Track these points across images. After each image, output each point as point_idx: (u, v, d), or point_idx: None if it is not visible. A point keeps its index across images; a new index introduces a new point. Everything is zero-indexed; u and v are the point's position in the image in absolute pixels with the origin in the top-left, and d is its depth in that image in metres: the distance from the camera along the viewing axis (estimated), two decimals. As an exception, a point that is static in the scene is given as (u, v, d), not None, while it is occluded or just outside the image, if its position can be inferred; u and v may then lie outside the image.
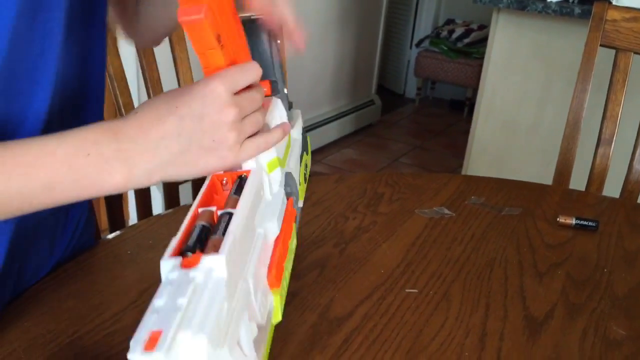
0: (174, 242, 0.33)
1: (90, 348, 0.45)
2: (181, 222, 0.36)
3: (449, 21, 3.56)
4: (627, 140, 0.99)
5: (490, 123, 2.04)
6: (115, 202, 0.86)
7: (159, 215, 0.69)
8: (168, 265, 0.31)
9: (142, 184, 0.39)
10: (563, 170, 0.98)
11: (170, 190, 0.95)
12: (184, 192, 0.95)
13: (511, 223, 0.71)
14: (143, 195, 0.92)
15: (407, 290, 0.56)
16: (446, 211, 0.73)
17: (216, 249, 0.32)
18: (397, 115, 3.44)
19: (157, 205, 1.08)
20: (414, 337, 0.49)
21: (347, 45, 2.82)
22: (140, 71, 0.95)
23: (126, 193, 1.02)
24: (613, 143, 0.95)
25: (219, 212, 0.37)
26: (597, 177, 0.96)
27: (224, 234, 0.34)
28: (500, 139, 2.03)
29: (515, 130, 1.99)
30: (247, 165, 0.42)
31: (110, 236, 0.63)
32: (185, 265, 0.31)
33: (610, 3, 1.19)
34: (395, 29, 3.70)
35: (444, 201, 0.76)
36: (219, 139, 0.39)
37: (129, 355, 0.26)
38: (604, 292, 0.58)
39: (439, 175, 0.84)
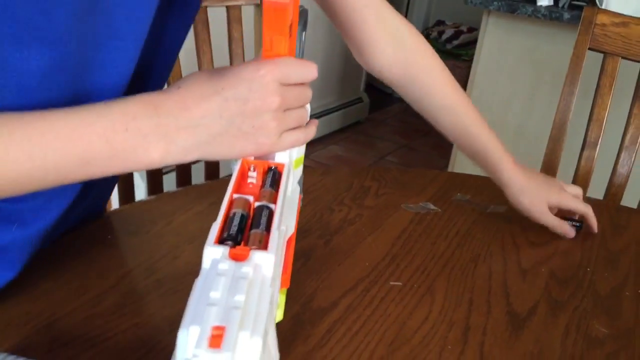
0: (216, 228, 0.32)
1: (69, 331, 0.43)
2: (163, 209, 0.35)
3: (439, 22, 3.58)
4: (612, 144, 1.00)
5: (476, 124, 2.04)
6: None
7: (141, 202, 0.68)
8: (215, 253, 0.31)
9: (177, 160, 0.39)
10: (548, 171, 0.99)
11: (154, 177, 0.93)
12: (168, 181, 0.94)
13: (496, 221, 0.71)
14: (126, 182, 0.90)
15: (391, 283, 0.56)
16: (432, 207, 0.73)
17: (261, 244, 0.32)
18: (385, 114, 3.45)
19: (141, 192, 1.07)
20: (397, 329, 0.49)
21: (336, 42, 2.82)
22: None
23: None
24: (598, 146, 0.96)
25: (256, 204, 0.36)
26: (581, 179, 0.97)
27: (265, 229, 0.33)
28: (486, 140, 2.04)
29: (502, 132, 2.01)
30: (281, 159, 0.41)
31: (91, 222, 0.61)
32: (234, 257, 0.30)
33: (600, 8, 1.20)
34: (386, 28, 3.70)
35: (429, 197, 0.76)
36: (259, 125, 0.39)
37: (195, 351, 0.25)
38: (587, 290, 0.58)
39: (425, 171, 0.84)
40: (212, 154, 0.40)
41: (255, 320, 0.27)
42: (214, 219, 0.58)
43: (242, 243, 0.32)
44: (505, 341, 0.49)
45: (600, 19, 0.96)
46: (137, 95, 0.39)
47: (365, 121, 3.23)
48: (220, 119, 0.38)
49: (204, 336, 0.25)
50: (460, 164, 2.10)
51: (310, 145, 2.74)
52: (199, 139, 0.39)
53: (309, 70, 0.41)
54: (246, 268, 0.30)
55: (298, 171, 0.45)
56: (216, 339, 0.25)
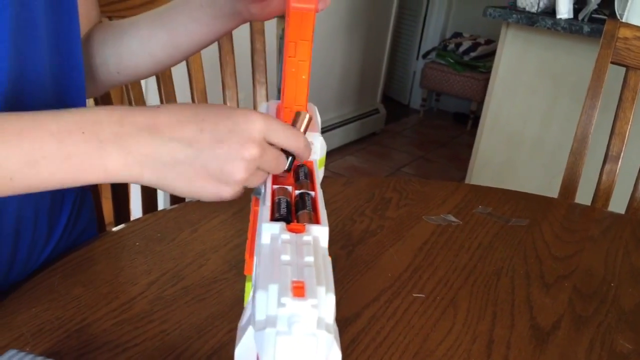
0: (266, 211, 0.34)
1: (99, 336, 0.44)
2: (188, 217, 0.36)
3: (457, 34, 3.58)
4: (634, 158, 1.00)
5: (494, 136, 2.04)
6: (121, 196, 0.86)
7: (166, 210, 0.69)
8: (273, 228, 0.32)
9: (133, 177, 0.36)
10: (569, 184, 0.98)
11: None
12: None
13: (518, 233, 0.71)
14: (149, 190, 0.92)
15: (414, 295, 0.56)
16: (453, 219, 0.73)
17: (312, 221, 0.34)
18: (401, 125, 3.45)
19: (161, 202, 1.09)
20: (421, 341, 0.49)
21: (354, 54, 2.84)
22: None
23: (131, 188, 1.02)
24: (620, 160, 0.96)
25: (297, 192, 0.38)
26: (603, 193, 0.96)
27: (312, 209, 0.35)
28: (504, 152, 2.03)
29: (520, 145, 2.00)
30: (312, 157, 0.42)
31: (118, 227, 0.63)
32: (292, 231, 0.32)
33: (621, 21, 1.20)
34: (403, 39, 3.72)
35: (451, 209, 0.76)
36: (228, 171, 0.36)
37: (282, 300, 0.26)
38: (611, 305, 0.58)
39: (447, 183, 0.84)
40: (167, 183, 0.37)
41: (326, 278, 0.28)
42: (239, 228, 0.59)
43: (294, 220, 0.34)
44: (530, 355, 0.49)
45: (623, 32, 0.96)
46: (107, 105, 0.38)
47: (382, 132, 3.24)
48: (188, 148, 0.36)
49: (285, 290, 0.26)
50: (477, 176, 2.09)
51: (327, 156, 2.74)
52: (160, 159, 0.36)
53: (298, 141, 0.38)
54: (307, 237, 0.31)
55: (321, 171, 0.46)
56: (299, 290, 0.26)
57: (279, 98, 0.46)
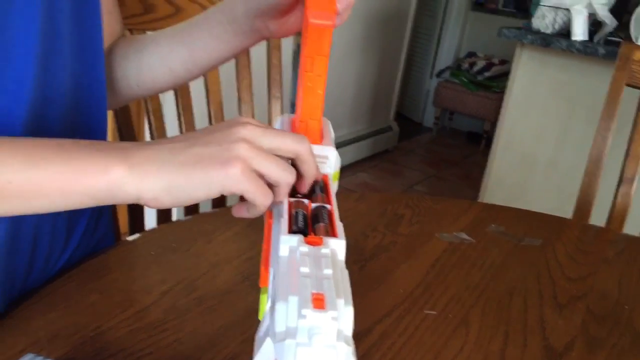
0: (284, 223, 0.34)
1: (114, 343, 0.45)
2: (202, 227, 0.36)
3: (471, 54, 3.59)
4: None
5: (508, 156, 2.04)
6: (136, 206, 0.88)
7: (179, 220, 0.69)
8: (291, 241, 0.32)
9: (138, 183, 0.35)
10: (583, 206, 0.98)
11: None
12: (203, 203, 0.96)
13: (531, 253, 0.71)
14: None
15: (426, 312, 0.56)
16: (466, 237, 0.73)
17: (329, 233, 0.34)
18: (414, 143, 3.45)
19: (174, 211, 1.10)
20: (432, 359, 0.49)
21: (369, 71, 2.86)
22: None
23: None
24: (635, 182, 0.95)
25: (313, 205, 0.38)
26: (618, 215, 0.96)
27: (328, 222, 0.35)
28: (517, 172, 2.03)
29: (533, 165, 1.99)
30: (323, 171, 0.43)
31: (133, 237, 0.63)
32: (310, 243, 0.32)
33: (637, 44, 1.19)
34: (417, 58, 3.74)
35: (463, 227, 0.76)
36: (226, 147, 0.36)
37: (303, 311, 0.26)
38: (625, 328, 0.57)
39: (460, 201, 0.85)
40: (169, 181, 0.35)
41: (345, 291, 0.29)
42: (252, 240, 0.60)
43: (311, 234, 0.34)
44: (542, 376, 0.49)
45: (638, 55, 0.96)
46: None
47: (394, 150, 3.24)
48: (185, 141, 0.37)
49: (305, 302, 0.27)
50: (490, 195, 2.08)
51: (339, 172, 2.75)
52: (160, 157, 0.36)
53: (290, 143, 0.37)
54: (324, 250, 0.32)
55: (335, 185, 0.46)
56: (319, 302, 0.27)
57: (293, 112, 0.47)
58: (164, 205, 0.36)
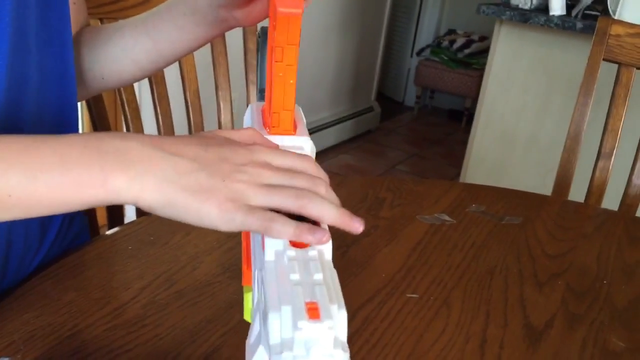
0: None
1: (91, 342, 0.44)
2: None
3: (450, 31, 3.58)
4: (627, 154, 1.00)
5: (489, 133, 2.05)
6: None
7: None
8: (277, 244, 0.32)
9: (135, 194, 0.34)
10: (563, 181, 0.99)
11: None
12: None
13: (511, 232, 0.71)
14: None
15: (408, 295, 0.56)
16: (447, 218, 0.73)
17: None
18: (396, 123, 3.45)
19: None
20: (414, 342, 0.49)
21: (348, 51, 2.83)
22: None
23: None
24: (613, 157, 0.96)
25: None
26: (596, 190, 0.97)
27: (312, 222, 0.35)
28: (498, 149, 2.04)
29: (514, 142, 2.00)
30: None
31: (110, 231, 0.62)
32: (296, 246, 0.32)
33: (614, 18, 1.20)
34: (397, 37, 3.72)
35: (444, 208, 0.76)
36: (237, 183, 0.34)
37: (299, 323, 0.26)
38: (604, 303, 0.58)
39: (440, 182, 0.85)
40: (168, 199, 0.34)
41: (337, 295, 0.28)
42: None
43: None
44: (523, 354, 0.49)
45: (615, 29, 0.96)
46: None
47: (376, 130, 3.24)
48: (192, 162, 0.34)
49: (299, 312, 0.26)
50: (472, 173, 2.09)
51: (322, 154, 2.75)
52: (162, 173, 0.34)
53: (307, 163, 0.37)
54: (312, 252, 0.31)
55: None
56: (313, 312, 0.26)
57: (261, 99, 0.46)
58: (158, 214, 0.35)
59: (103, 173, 0.34)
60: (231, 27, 0.53)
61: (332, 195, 0.37)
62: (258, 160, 0.36)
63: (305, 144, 0.41)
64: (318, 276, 0.29)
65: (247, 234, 0.41)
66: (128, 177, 0.34)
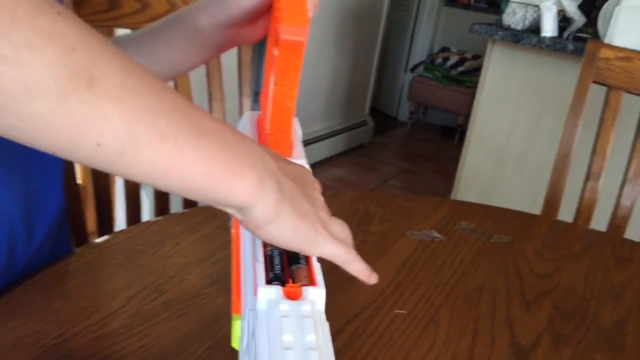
0: (261, 270, 0.33)
1: (77, 350, 0.44)
2: (171, 230, 0.35)
3: (444, 49, 3.62)
4: (615, 176, 1.01)
5: (480, 150, 2.06)
6: (103, 205, 0.86)
7: (149, 222, 0.68)
8: (270, 293, 0.31)
9: (266, 192, 0.32)
10: (552, 201, 1.00)
11: (161, 197, 0.94)
12: (175, 201, 0.95)
13: (500, 250, 0.72)
14: (132, 200, 0.91)
15: (396, 311, 0.56)
16: (436, 235, 0.74)
17: (308, 279, 0.33)
18: (389, 138, 3.47)
19: (146, 212, 1.08)
20: (401, 359, 0.49)
21: (343, 65, 2.85)
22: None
23: (114, 196, 1.01)
24: (601, 178, 0.97)
25: None
26: (585, 210, 0.97)
27: (305, 263, 0.34)
28: (489, 166, 2.05)
29: (505, 160, 2.02)
30: None
31: (100, 240, 0.62)
32: (289, 297, 0.31)
33: (603, 41, 1.22)
34: (391, 52, 3.75)
35: (434, 224, 0.76)
36: (314, 204, 0.37)
37: None
38: (590, 324, 0.59)
39: (430, 199, 0.85)
40: (287, 215, 0.33)
41: (328, 357, 0.28)
42: (221, 241, 0.59)
43: (289, 280, 0.33)
44: (509, 373, 0.50)
45: (604, 53, 0.98)
46: None
47: (369, 144, 3.25)
48: (297, 188, 0.36)
49: None
50: (463, 190, 2.11)
51: (315, 167, 2.75)
52: (281, 187, 0.33)
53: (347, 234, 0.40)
54: (305, 306, 0.30)
55: None
56: None
57: (255, 101, 0.46)
58: (259, 231, 0.33)
59: (238, 177, 0.31)
60: (237, 45, 0.52)
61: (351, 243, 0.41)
62: (321, 201, 0.39)
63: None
64: (311, 337, 0.28)
65: (237, 261, 0.40)
66: (259, 181, 0.31)
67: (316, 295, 0.32)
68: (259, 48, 0.47)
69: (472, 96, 2.73)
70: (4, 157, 0.49)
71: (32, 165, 0.53)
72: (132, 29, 0.80)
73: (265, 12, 0.47)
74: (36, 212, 0.55)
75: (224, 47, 0.52)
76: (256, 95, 0.46)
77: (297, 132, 0.53)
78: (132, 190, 0.90)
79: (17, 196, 0.50)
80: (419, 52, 3.73)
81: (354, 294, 0.58)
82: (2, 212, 0.50)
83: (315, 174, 0.45)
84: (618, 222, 0.96)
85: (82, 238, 0.81)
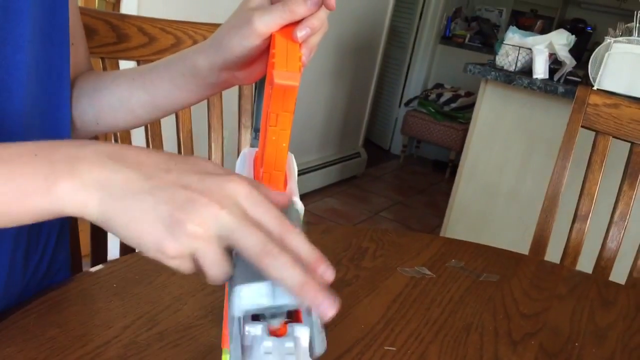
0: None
1: (72, 380, 0.44)
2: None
3: (438, 85, 3.69)
4: (602, 217, 1.04)
5: (471, 186, 2.09)
6: (99, 233, 0.87)
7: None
8: (255, 330, 0.32)
9: (75, 203, 0.33)
10: (540, 241, 1.02)
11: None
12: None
13: (489, 289, 0.73)
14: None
15: (385, 348, 0.57)
16: (427, 272, 0.75)
17: (292, 316, 0.34)
18: (381, 170, 3.50)
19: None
20: (390, 395, 0.50)
21: (339, 98, 2.90)
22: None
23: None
24: (589, 220, 0.99)
25: None
26: (572, 251, 0.99)
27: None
28: (480, 202, 2.08)
29: (495, 195, 2.05)
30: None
31: (95, 268, 0.63)
32: (274, 333, 0.32)
33: (592, 87, 1.26)
34: (386, 87, 3.82)
35: (425, 261, 0.78)
36: (178, 219, 0.31)
37: None
38: (575, 365, 0.60)
39: (422, 235, 0.87)
40: (110, 217, 0.32)
41: None
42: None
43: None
44: (495, 413, 0.51)
45: (593, 99, 1.01)
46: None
47: (362, 176, 3.28)
48: (145, 181, 0.33)
49: None
50: (454, 224, 2.13)
51: (307, 197, 2.76)
52: (110, 187, 0.32)
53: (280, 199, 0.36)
54: (288, 344, 0.32)
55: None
56: None
57: (255, 137, 0.48)
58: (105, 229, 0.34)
59: (47, 181, 0.33)
60: (232, 86, 0.54)
61: (306, 248, 0.32)
62: (228, 194, 0.33)
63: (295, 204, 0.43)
64: None
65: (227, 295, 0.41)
66: (73, 186, 0.33)
67: (300, 333, 0.33)
68: (260, 84, 0.49)
69: (464, 132, 2.78)
70: None
71: None
72: (137, 61, 0.82)
73: (259, 57, 0.49)
74: (35, 235, 0.57)
75: (220, 87, 0.54)
76: (256, 132, 0.48)
77: (292, 168, 0.54)
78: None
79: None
80: (414, 87, 3.80)
81: (345, 329, 0.59)
82: (6, 235, 0.51)
83: (308, 203, 0.46)
84: (604, 263, 0.98)
85: (76, 262, 0.81)
